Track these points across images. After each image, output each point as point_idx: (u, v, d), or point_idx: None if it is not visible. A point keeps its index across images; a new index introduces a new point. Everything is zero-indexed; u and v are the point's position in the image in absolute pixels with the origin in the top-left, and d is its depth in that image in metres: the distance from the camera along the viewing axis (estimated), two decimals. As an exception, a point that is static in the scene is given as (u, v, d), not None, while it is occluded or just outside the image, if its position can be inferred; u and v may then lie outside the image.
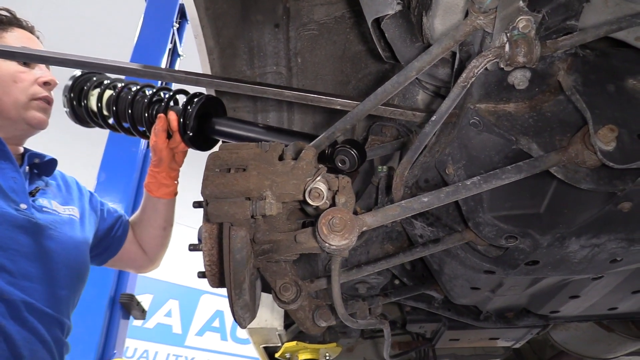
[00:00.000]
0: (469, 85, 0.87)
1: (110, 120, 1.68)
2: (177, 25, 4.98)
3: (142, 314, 4.16)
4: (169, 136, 1.61)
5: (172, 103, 1.61)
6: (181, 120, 1.53)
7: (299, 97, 1.18)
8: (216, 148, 1.06)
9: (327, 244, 0.88)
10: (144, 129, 1.66)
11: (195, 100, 1.51)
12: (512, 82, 0.91)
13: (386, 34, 1.12)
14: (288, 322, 2.22)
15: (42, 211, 1.57)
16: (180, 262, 8.35)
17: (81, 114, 1.71)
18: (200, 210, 1.13)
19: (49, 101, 1.70)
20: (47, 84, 1.69)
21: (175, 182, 1.80)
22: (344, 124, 1.09)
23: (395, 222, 1.40)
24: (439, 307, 1.72)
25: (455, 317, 1.73)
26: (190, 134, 1.52)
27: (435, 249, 1.24)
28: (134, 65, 1.32)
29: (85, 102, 1.68)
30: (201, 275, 1.14)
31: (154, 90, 1.64)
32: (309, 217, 1.10)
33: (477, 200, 1.07)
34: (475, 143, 1.01)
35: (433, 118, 0.93)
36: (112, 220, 1.87)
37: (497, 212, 1.07)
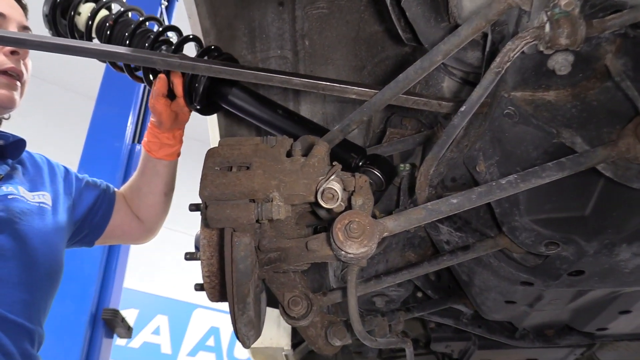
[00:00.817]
0: (503, 71, 0.87)
1: None
2: (166, 3, 5.00)
3: (128, 331, 4.18)
4: (172, 95, 1.60)
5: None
6: (187, 80, 1.51)
7: (309, 84, 1.19)
8: (215, 143, 1.07)
9: (343, 252, 0.89)
10: (134, 65, 1.63)
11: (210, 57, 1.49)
12: (553, 67, 0.91)
13: (407, 13, 1.13)
14: (296, 340, 2.23)
15: (7, 201, 1.53)
16: (169, 272, 8.41)
17: (62, 30, 1.64)
18: (197, 214, 1.14)
19: (17, 74, 1.61)
20: (15, 53, 1.60)
21: (181, 141, 1.79)
22: (360, 115, 1.10)
23: (419, 226, 1.41)
24: (468, 324, 1.73)
25: (486, 335, 1.74)
26: (198, 107, 1.53)
27: (464, 257, 1.25)
28: (122, 49, 1.34)
29: (72, 14, 1.61)
30: (199, 287, 1.15)
31: (161, 28, 1.59)
32: (321, 222, 1.11)
33: (513, 201, 1.08)
34: (510, 136, 1.01)
35: (462, 108, 0.94)
36: (93, 197, 1.85)
37: (535, 215, 1.08)
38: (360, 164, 1.30)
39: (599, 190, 1.03)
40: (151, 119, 1.74)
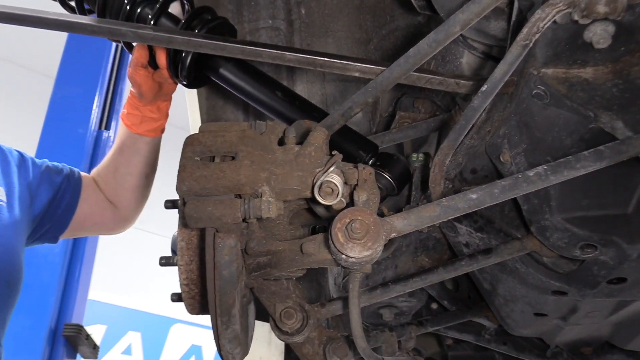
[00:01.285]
0: (531, 44, 0.88)
1: None
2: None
3: (93, 350, 4.19)
4: (154, 64, 1.61)
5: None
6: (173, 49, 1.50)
7: (305, 60, 1.19)
8: (196, 129, 1.08)
9: (343, 256, 0.89)
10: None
11: (199, 20, 1.47)
12: (590, 40, 0.91)
13: (420, -24, 1.13)
14: (290, 359, 2.24)
15: None
16: (142, 281, 8.42)
17: None
18: (175, 212, 1.15)
19: None
20: None
21: (167, 115, 1.80)
22: (364, 96, 1.10)
23: (433, 226, 1.41)
24: (492, 340, 1.74)
25: (513, 354, 1.74)
26: (185, 82, 1.53)
27: (486, 262, 1.26)
28: (83, 19, 1.34)
29: None
30: (176, 298, 1.16)
31: None
32: (319, 221, 1.11)
33: (543, 197, 1.08)
34: (539, 121, 1.02)
35: (484, 88, 0.94)
36: (54, 185, 1.87)
37: (569, 212, 1.08)
38: (370, 163, 1.31)
39: (644, 184, 1.03)
40: (131, 89, 1.74)
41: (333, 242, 0.90)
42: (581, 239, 1.10)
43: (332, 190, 0.96)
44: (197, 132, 1.07)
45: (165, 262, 1.16)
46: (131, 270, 8.33)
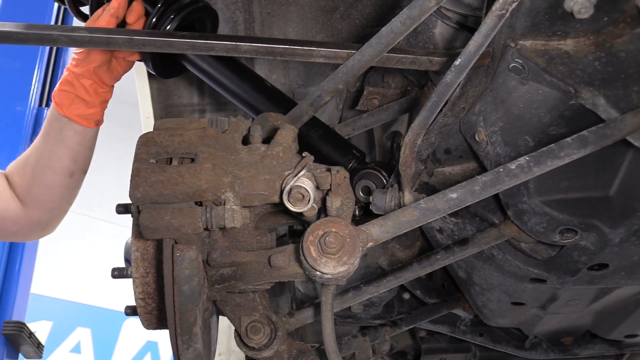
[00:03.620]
0: (508, 14, 0.88)
1: None
2: None
3: (38, 350, 4.15)
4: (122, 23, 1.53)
5: None
6: (151, 20, 1.47)
7: (263, 50, 1.19)
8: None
9: (317, 272, 0.89)
10: None
11: (177, 5, 1.45)
12: (571, 9, 0.92)
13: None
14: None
15: None
16: (91, 273, 8.33)
17: None
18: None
19: None
20: None
21: (103, 104, 1.66)
22: (334, 83, 1.10)
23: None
24: (467, 331, 1.76)
25: (490, 345, 1.77)
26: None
27: (462, 253, 1.27)
28: (10, 27, 1.29)
29: None
30: (130, 312, 1.14)
31: None
32: (290, 220, 1.10)
33: (520, 179, 1.09)
34: (517, 97, 1.02)
35: (457, 62, 0.94)
36: None
37: (548, 195, 1.09)
38: (359, 168, 1.31)
39: (627, 165, 1.04)
40: (74, 52, 1.59)
41: (305, 257, 0.90)
42: (560, 223, 1.11)
43: (303, 196, 0.95)
44: (151, 130, 1.05)
45: (118, 274, 1.14)
46: (79, 260, 8.22)
